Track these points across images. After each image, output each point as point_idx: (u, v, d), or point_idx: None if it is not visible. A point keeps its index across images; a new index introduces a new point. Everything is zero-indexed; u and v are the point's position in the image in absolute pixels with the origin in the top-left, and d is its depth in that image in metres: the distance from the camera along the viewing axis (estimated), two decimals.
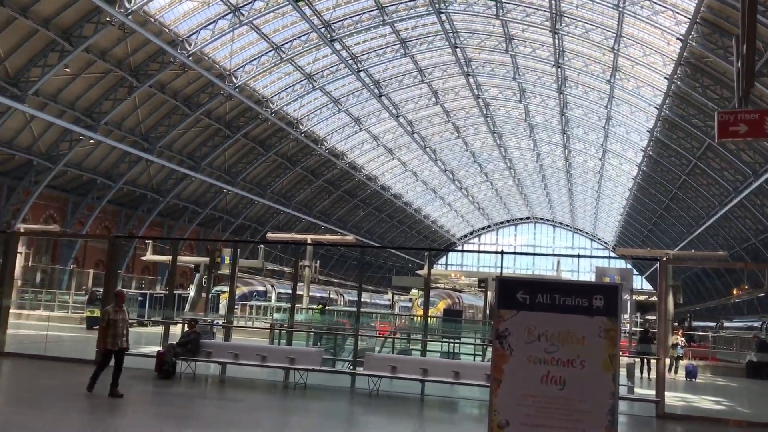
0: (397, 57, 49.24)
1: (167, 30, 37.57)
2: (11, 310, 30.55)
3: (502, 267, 18.85)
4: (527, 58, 48.21)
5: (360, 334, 17.83)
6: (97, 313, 24.87)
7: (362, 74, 48.76)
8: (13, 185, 40.86)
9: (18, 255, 34.34)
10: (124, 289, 17.01)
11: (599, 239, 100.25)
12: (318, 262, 44.65)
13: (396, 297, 45.88)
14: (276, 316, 28.45)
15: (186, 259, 41.03)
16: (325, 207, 70.41)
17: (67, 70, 35.79)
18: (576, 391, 6.23)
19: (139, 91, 39.98)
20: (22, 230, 34.08)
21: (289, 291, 38.41)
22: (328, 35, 42.36)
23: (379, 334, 22.39)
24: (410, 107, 58.22)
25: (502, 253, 18.20)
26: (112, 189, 45.82)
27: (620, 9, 36.05)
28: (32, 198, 40.71)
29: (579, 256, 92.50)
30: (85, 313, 30.05)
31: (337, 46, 44.00)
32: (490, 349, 18.28)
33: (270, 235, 54.13)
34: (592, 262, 75.06)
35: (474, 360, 18.60)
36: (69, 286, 41.68)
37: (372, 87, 50.94)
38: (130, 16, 33.65)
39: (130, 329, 12.24)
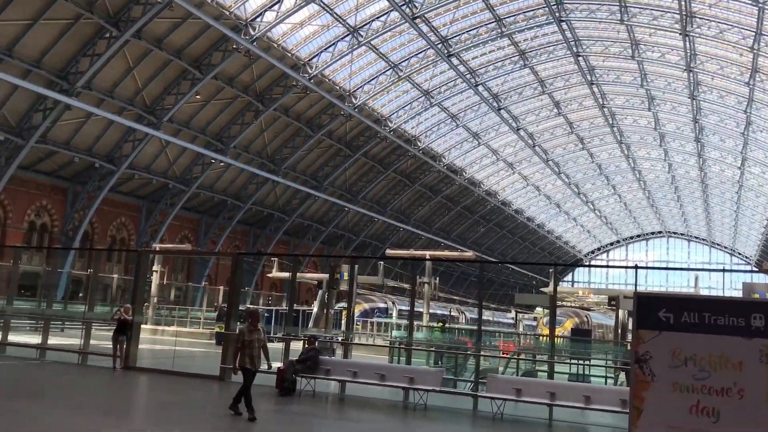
0: (516, 69, 48.23)
1: (290, 54, 38.76)
2: (148, 326, 32.38)
3: (636, 283, 17.48)
4: (655, 63, 45.70)
5: (482, 354, 17.16)
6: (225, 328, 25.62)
7: (480, 88, 48.11)
8: (151, 208, 43.46)
9: (154, 273, 36.57)
10: (255, 306, 17.27)
11: (740, 254, 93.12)
12: (438, 278, 44.20)
13: (519, 315, 44.47)
14: (395, 333, 28.22)
15: (309, 276, 41.85)
16: (444, 223, 69.95)
17: (198, 97, 37.68)
18: (733, 425, 5.39)
19: (264, 114, 41.46)
20: (157, 249, 35.98)
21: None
22: (445, 51, 42.12)
23: (503, 354, 21.56)
24: (531, 119, 56.81)
25: (636, 267, 16.92)
26: (241, 210, 47.66)
27: (760, 5, 33.35)
28: (168, 219, 43.06)
29: (725, 271, 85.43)
30: (214, 329, 31.17)
31: (455, 61, 43.67)
32: (623, 372, 17.07)
33: (389, 252, 54.31)
34: (733, 279, 69.64)
35: (606, 383, 17.41)
36: (201, 303, 43.61)
37: (490, 100, 50.15)
38: (255, 43, 35.02)
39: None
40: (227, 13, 34.11)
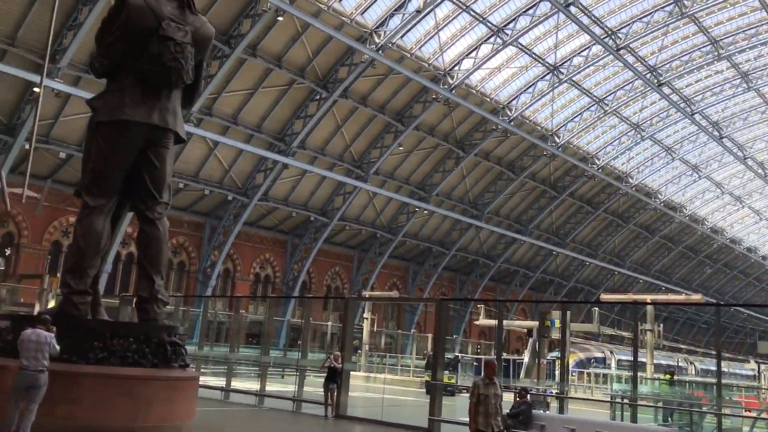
0: (738, 93, 43.89)
1: (488, 99, 38.68)
2: (360, 373, 33.13)
3: None
4: None
5: (724, 414, 14.99)
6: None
7: (697, 117, 44.34)
8: (362, 257, 45.13)
9: (365, 320, 37.59)
10: (460, 354, 16.75)
11: None
12: (661, 325, 40.61)
13: (763, 367, 39.20)
14: (616, 386, 26.02)
15: (518, 323, 40.57)
16: (664, 265, 64.72)
17: (401, 148, 38.77)
18: None
19: (465, 161, 41.56)
20: (365, 296, 36.98)
21: (630, 358, 35.33)
22: (655, 80, 39.51)
23: (746, 412, 18.83)
24: (760, 147, 51.19)
25: None
26: (446, 256, 47.84)
27: None
28: (377, 268, 44.36)
29: None
30: (424, 378, 31.04)
31: (666, 90, 40.78)
32: None
33: (604, 297, 51.15)
34: None
35: None
36: (410, 351, 43.99)
37: (710, 129, 45.98)
38: (453, 91, 35.42)
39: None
40: (426, 65, 34.95)
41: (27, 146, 26.87)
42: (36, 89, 23.64)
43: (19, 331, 7.28)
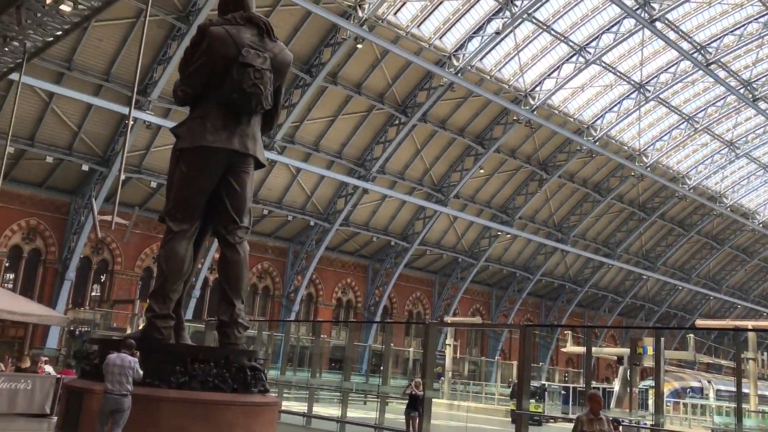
0: None
1: (571, 119, 37.83)
2: (443, 401, 32.58)
3: None
4: None
5: None
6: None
7: None
8: (443, 282, 44.68)
9: (447, 347, 37.06)
10: (547, 382, 16.16)
11: None
12: (765, 354, 38.14)
13: None
14: (717, 419, 24.48)
15: (608, 351, 39.00)
16: (765, 290, 61.04)
17: (481, 171, 38.33)
18: None
19: (548, 183, 40.67)
20: (446, 322, 36.51)
21: (731, 388, 33.34)
22: (750, 95, 37.63)
23: None
24: None
25: None
26: (530, 281, 46.74)
27: None
28: (459, 293, 43.78)
29: None
30: (509, 407, 30.19)
31: (762, 105, 38.75)
32: None
33: (699, 323, 48.63)
34: None
35: None
36: (495, 378, 43.01)
37: None
38: (535, 112, 34.83)
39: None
40: (506, 86, 34.55)
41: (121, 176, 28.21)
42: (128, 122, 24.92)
43: (106, 355, 7.44)
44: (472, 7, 30.54)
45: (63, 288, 29.04)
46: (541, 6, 30.85)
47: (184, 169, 8.16)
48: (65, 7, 13.64)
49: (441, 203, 37.78)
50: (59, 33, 15.29)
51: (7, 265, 29.34)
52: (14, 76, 23.37)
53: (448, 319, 40.17)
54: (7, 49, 15.85)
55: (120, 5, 24.00)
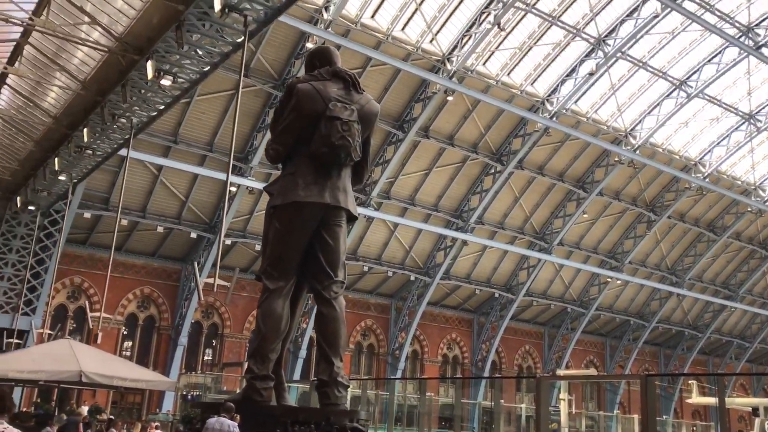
0: None
1: (677, 156, 36.15)
2: None
3: None
4: None
5: None
6: None
7: None
8: (552, 333, 43.00)
9: (561, 402, 35.26)
10: None
11: None
12: None
13: None
14: None
15: (741, 401, 35.95)
16: None
17: (585, 216, 37.04)
18: None
19: (657, 224, 38.76)
20: (559, 375, 34.88)
21: None
22: None
23: None
24: None
25: None
26: (646, 329, 44.21)
27: None
28: (571, 344, 41.92)
29: None
30: None
31: None
32: None
33: None
34: None
35: None
36: None
37: None
38: (637, 152, 33.54)
39: None
40: (604, 127, 33.54)
41: (227, 242, 29.22)
42: (232, 188, 25.86)
43: (206, 420, 7.37)
44: (562, 50, 30.07)
45: (176, 353, 29.97)
46: (635, 43, 29.98)
47: (278, 226, 8.13)
48: (165, 82, 14.38)
49: (544, 251, 36.69)
50: (162, 107, 16.15)
51: (125, 333, 30.68)
52: (138, 155, 25.08)
53: (561, 372, 38.37)
54: (116, 126, 16.87)
55: (220, 79, 25.31)
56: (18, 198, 23.24)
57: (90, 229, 28.72)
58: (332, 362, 7.99)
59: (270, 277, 8.16)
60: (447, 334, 40.33)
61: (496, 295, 38.48)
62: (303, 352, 32.53)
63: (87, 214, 27.10)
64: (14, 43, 14.84)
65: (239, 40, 13.00)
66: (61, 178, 20.66)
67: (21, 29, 14.17)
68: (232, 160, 13.81)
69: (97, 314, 20.43)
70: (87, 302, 28.77)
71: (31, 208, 23.94)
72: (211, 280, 12.51)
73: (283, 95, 8.75)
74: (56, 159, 18.99)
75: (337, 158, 8.11)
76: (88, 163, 19.92)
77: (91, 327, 27.88)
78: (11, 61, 15.40)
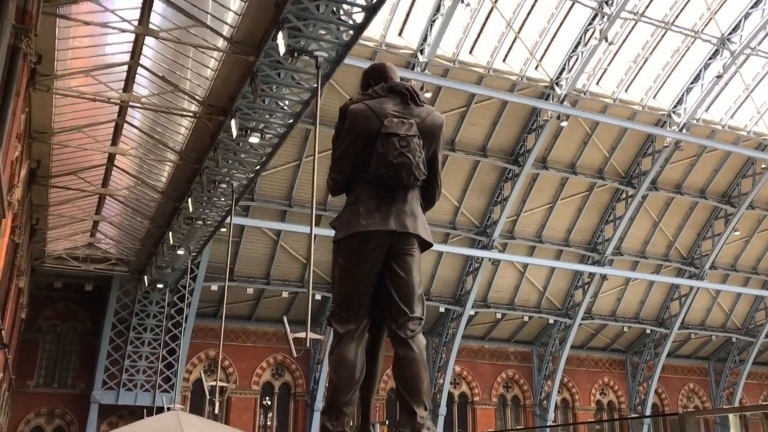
0: None
1: None
2: None
3: None
4: None
5: None
6: None
7: None
8: (718, 368, 38.69)
9: None
10: None
11: None
12: None
13: None
14: None
15: None
16: None
17: (737, 233, 33.40)
18: None
19: None
20: (705, 408, 30.94)
21: None
22: None
23: None
24: None
25: None
26: None
27: None
28: (742, 378, 37.44)
29: None
30: None
31: None
32: None
33: None
34: None
35: None
36: None
37: None
38: None
39: None
40: (744, 133, 30.36)
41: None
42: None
43: None
44: (682, 57, 27.70)
45: (314, 419, 29.48)
46: (766, 36, 27.11)
47: (342, 262, 7.15)
48: (254, 140, 14.15)
49: (696, 277, 33.28)
50: (257, 167, 15.96)
51: (268, 403, 30.61)
52: (244, 221, 25.45)
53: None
54: (219, 191, 16.87)
55: (324, 136, 25.28)
56: (146, 277, 24.01)
57: (219, 302, 29.25)
58: (414, 412, 6.77)
59: (339, 320, 7.16)
60: (598, 378, 37.25)
61: (648, 330, 35.20)
62: (443, 409, 31.03)
63: (214, 287, 27.61)
64: (113, 123, 15.32)
65: (315, 85, 12.53)
66: (180, 252, 21.06)
67: (117, 108, 14.57)
68: (314, 212, 13.21)
69: (225, 384, 20.32)
70: (224, 374, 29.06)
71: (160, 285, 24.67)
72: (302, 335, 11.79)
73: (337, 121, 7.93)
74: (170, 234, 19.35)
75: (398, 178, 7.07)
76: (202, 235, 20.17)
77: (222, 399, 28.03)
78: (114, 141, 15.91)
